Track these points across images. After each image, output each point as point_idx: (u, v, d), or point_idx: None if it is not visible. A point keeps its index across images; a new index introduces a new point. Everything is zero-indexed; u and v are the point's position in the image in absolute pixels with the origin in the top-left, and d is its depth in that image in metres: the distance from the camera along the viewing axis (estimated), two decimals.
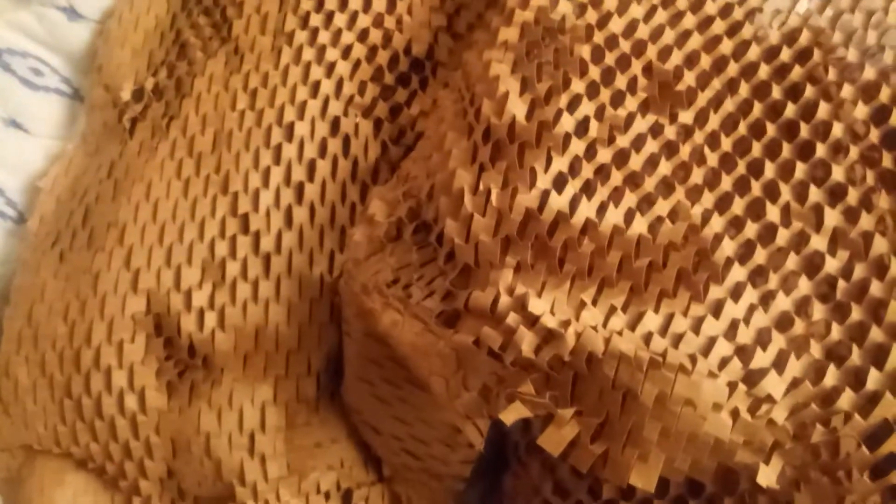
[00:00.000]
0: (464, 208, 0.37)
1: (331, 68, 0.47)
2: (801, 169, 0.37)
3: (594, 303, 0.35)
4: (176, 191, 0.46)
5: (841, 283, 0.35)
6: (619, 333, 0.33)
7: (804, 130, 0.38)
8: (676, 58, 0.40)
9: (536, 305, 0.34)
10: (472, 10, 0.51)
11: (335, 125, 0.47)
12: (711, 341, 0.33)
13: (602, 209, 0.36)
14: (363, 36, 0.48)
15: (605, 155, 0.38)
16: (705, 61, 0.40)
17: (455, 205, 0.38)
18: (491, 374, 0.35)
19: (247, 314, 0.44)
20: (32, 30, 0.53)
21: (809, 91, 0.39)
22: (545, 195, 0.36)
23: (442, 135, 0.41)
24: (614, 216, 0.36)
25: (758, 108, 0.39)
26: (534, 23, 0.42)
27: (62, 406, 0.44)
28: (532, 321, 0.34)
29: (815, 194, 0.36)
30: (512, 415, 0.33)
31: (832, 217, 0.36)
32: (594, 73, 0.40)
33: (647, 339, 0.33)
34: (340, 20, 0.48)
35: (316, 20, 0.48)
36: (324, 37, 0.48)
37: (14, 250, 0.50)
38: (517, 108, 0.38)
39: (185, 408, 0.43)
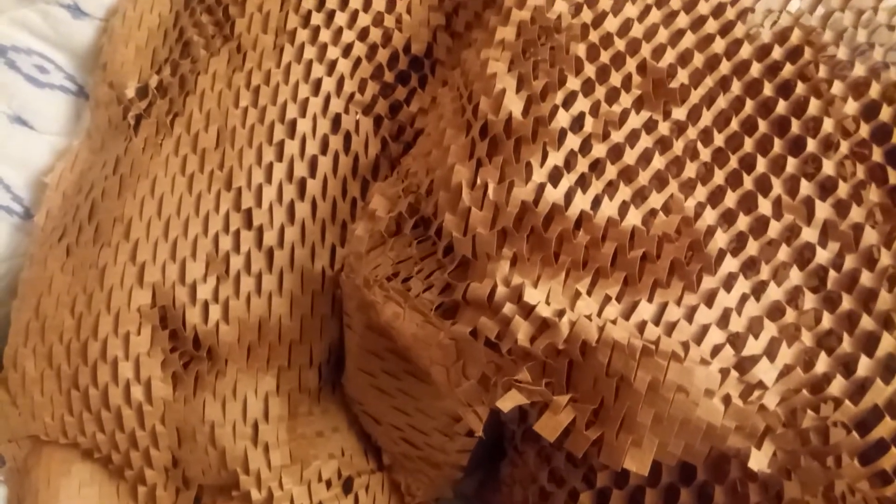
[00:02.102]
0: (461, 202, 0.38)
1: (332, 66, 0.48)
2: (791, 163, 0.38)
3: (589, 293, 0.35)
4: (180, 186, 0.47)
5: (832, 274, 0.36)
6: (613, 322, 0.34)
7: (795, 126, 0.39)
8: (670, 56, 0.41)
9: (532, 295, 0.35)
10: (469, 9, 0.52)
11: (336, 122, 0.47)
12: (704, 329, 0.34)
13: (597, 202, 0.37)
14: (363, 35, 0.49)
15: (599, 149, 0.39)
16: (698, 59, 0.41)
17: (453, 199, 0.39)
18: (489, 364, 0.36)
19: (250, 307, 0.44)
20: (37, 27, 0.54)
21: (800, 88, 0.40)
22: (541, 188, 0.37)
23: (441, 131, 0.42)
24: (609, 209, 0.37)
25: (749, 105, 0.40)
26: (530, 22, 0.43)
27: (69, 397, 0.45)
28: (527, 311, 0.35)
29: (805, 188, 0.37)
30: (509, 402, 0.34)
31: (823, 210, 0.37)
32: (589, 70, 0.41)
33: (641, 327, 0.34)
34: (341, 19, 0.49)
35: (317, 19, 0.49)
36: (325, 35, 0.49)
37: (21, 245, 0.51)
38: (514, 104, 0.39)
39: (190, 398, 0.44)
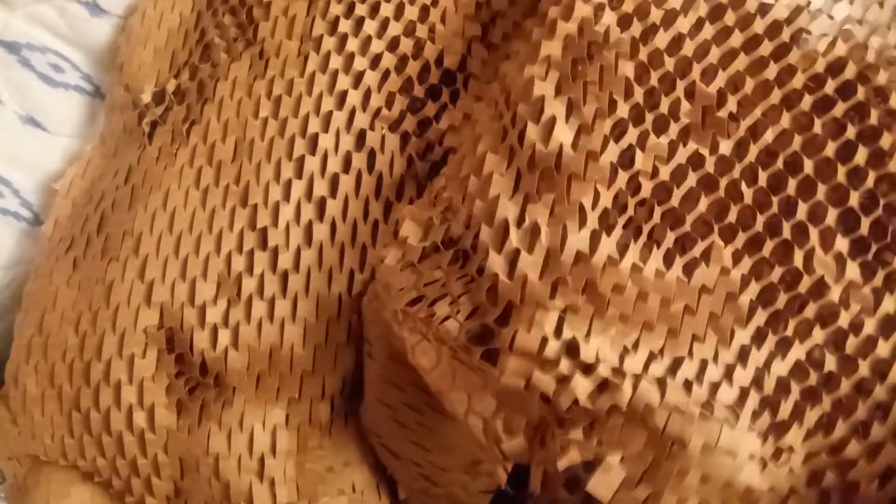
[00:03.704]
0: (509, 242, 0.36)
1: (359, 78, 0.45)
2: (832, 214, 0.36)
3: (635, 348, 0.34)
4: (194, 200, 0.44)
5: (851, 338, 0.35)
6: (661, 381, 0.33)
7: (840, 174, 0.37)
8: (720, 80, 0.38)
9: (588, 353, 0.33)
10: (508, 18, 0.49)
11: (361, 138, 0.45)
12: (744, 393, 0.34)
13: (646, 251, 0.35)
14: (393, 45, 0.46)
15: (647, 189, 0.36)
16: (749, 86, 0.38)
17: (499, 237, 0.36)
18: (538, 419, 0.34)
19: (261, 333, 0.42)
20: (53, 24, 0.52)
21: (850, 131, 0.37)
22: (595, 236, 0.35)
23: (480, 156, 0.39)
24: (656, 259, 0.35)
25: (797, 142, 0.37)
26: (577, 35, 0.39)
27: (70, 419, 0.43)
28: (586, 368, 0.33)
29: (840, 244, 0.36)
30: (566, 462, 0.33)
31: (852, 269, 0.35)
32: (638, 94, 0.38)
33: (688, 387, 0.33)
34: (370, 27, 0.46)
35: (345, 26, 0.46)
36: (352, 44, 0.46)
37: (28, 252, 0.49)
38: (564, 134, 0.37)
39: (195, 428, 0.42)
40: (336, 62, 0.46)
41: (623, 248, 0.35)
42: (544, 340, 0.33)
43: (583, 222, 0.35)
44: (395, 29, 0.46)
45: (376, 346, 0.41)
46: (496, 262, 0.35)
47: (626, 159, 0.37)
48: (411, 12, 0.47)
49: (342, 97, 0.45)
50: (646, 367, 0.34)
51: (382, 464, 0.45)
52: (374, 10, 0.46)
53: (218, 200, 0.44)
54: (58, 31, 0.52)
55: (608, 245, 0.35)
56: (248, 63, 0.47)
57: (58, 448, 0.43)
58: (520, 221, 0.36)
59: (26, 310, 0.46)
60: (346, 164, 0.44)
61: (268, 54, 0.47)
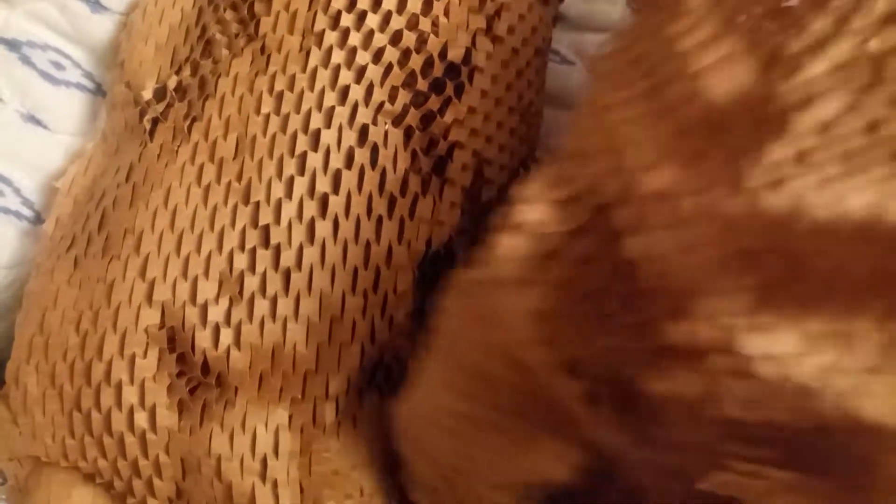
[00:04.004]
0: (651, 220, 0.29)
1: (361, 72, 0.45)
2: None
3: (826, 335, 0.27)
4: (195, 198, 0.44)
5: None
6: (856, 379, 0.26)
7: None
8: None
9: (749, 345, 0.27)
10: (513, 11, 0.48)
11: (363, 134, 0.44)
12: None
13: (842, 202, 0.27)
14: (396, 38, 0.45)
15: (843, 128, 0.27)
16: None
17: (638, 216, 0.30)
18: (705, 436, 0.29)
19: (263, 332, 0.41)
20: (54, 21, 0.51)
21: None
22: (760, 196, 0.27)
23: (613, 125, 0.33)
24: (860, 208, 0.26)
25: None
26: None
27: (71, 419, 0.42)
28: (743, 368, 0.27)
29: None
30: (727, 488, 0.28)
31: None
32: (818, 25, 0.29)
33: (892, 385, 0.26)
34: (373, 21, 0.45)
35: (347, 20, 0.45)
36: (355, 38, 0.45)
37: (30, 251, 0.49)
38: (720, 87, 0.30)
39: (197, 428, 0.41)
40: (338, 57, 0.45)
41: (803, 206, 0.27)
42: (698, 335, 0.27)
43: (744, 182, 0.27)
44: (397, 22, 0.46)
45: (447, 347, 0.36)
46: (635, 246, 0.29)
47: (807, 98, 0.28)
48: (414, 5, 0.46)
49: (344, 92, 0.44)
50: (842, 359, 0.26)
51: (392, 468, 0.44)
52: (377, 3, 0.46)
53: (220, 198, 0.43)
54: (59, 28, 0.51)
55: (779, 203, 0.27)
56: (249, 59, 0.46)
57: (59, 448, 0.43)
58: (666, 194, 0.29)
59: (27, 309, 0.45)
60: (349, 160, 0.44)
61: (269, 50, 0.46)
